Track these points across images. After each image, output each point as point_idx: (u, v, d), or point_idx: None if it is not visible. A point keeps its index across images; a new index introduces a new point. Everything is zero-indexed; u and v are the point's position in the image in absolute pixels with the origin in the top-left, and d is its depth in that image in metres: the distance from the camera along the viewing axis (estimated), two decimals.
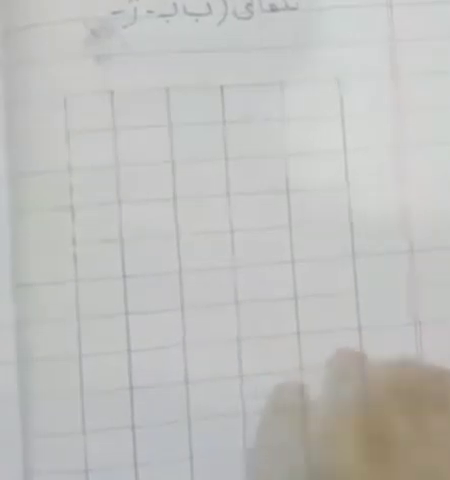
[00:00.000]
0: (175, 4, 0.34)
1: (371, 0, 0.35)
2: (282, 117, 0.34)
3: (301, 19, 0.35)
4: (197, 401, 0.33)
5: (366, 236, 0.34)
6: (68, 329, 0.32)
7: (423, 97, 0.35)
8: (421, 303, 0.34)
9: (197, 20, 0.34)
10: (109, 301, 0.33)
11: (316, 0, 0.35)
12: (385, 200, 0.35)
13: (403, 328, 0.34)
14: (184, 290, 0.33)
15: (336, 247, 0.34)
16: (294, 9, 0.35)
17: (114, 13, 0.33)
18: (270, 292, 0.34)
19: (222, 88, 0.34)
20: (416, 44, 0.35)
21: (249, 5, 0.34)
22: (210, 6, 0.34)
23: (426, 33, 0.35)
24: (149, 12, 0.34)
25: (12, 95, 0.33)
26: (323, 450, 0.29)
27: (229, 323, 0.33)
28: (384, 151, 0.35)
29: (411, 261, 0.34)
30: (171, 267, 0.33)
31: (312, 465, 0.29)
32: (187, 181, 0.34)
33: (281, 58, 0.34)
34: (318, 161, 0.35)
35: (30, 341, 0.32)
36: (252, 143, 0.34)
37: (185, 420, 0.33)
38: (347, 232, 0.34)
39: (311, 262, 0.34)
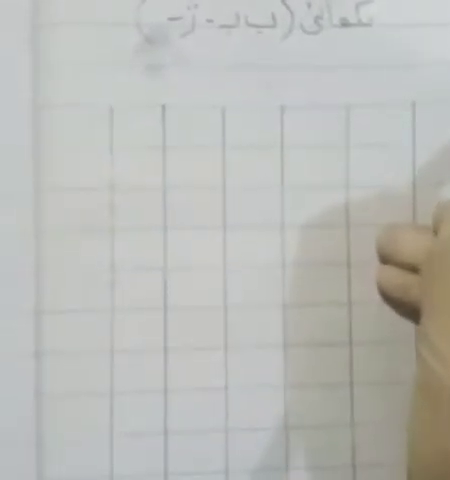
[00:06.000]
0: (237, 14, 0.31)
1: None
2: (346, 143, 0.31)
3: (375, 36, 0.31)
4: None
5: None
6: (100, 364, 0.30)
7: None
8: None
9: (260, 32, 0.31)
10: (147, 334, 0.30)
11: (394, 15, 0.31)
12: None
13: None
14: (228, 327, 0.31)
15: None
16: (368, 25, 0.31)
17: (171, 19, 0.31)
18: None
19: (282, 109, 0.31)
20: None
21: (318, 18, 0.31)
22: (275, 17, 0.31)
23: None
24: (209, 21, 0.31)
25: (50, 99, 0.30)
26: None
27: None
28: None
29: None
30: (216, 301, 0.31)
31: None
32: (238, 208, 0.31)
33: (350, 79, 0.31)
34: (382, 196, 0.31)
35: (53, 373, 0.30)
36: (310, 171, 0.31)
37: None
38: None
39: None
